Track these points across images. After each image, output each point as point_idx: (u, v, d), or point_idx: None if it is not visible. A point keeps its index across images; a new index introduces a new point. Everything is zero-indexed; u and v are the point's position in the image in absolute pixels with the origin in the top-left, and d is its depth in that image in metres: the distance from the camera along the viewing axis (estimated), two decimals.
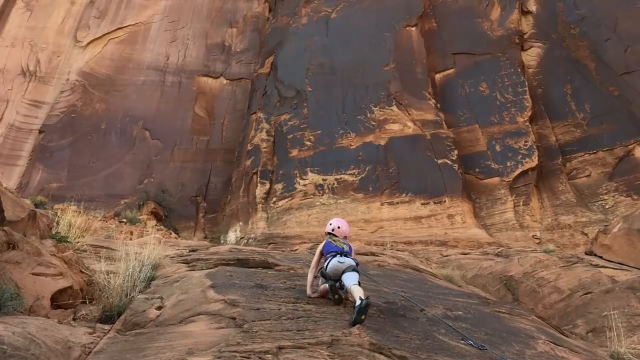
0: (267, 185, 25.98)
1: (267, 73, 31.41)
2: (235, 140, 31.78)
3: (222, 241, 25.18)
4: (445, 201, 22.77)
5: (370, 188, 23.84)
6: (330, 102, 27.30)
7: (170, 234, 22.29)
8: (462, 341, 5.12)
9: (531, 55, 27.31)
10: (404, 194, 23.32)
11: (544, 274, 12.04)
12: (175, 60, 35.34)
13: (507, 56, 26.90)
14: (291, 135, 26.92)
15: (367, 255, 12.66)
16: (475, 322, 6.18)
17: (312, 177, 25.00)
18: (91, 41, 35.32)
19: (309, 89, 28.30)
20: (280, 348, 4.02)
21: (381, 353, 4.23)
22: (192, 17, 37.51)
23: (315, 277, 6.34)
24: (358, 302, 5.01)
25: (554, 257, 13.32)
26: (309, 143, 26.21)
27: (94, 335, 4.82)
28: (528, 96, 25.40)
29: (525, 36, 27.84)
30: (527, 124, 24.80)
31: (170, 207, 27.90)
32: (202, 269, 7.82)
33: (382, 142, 24.95)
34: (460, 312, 6.59)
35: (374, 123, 25.75)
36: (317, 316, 5.25)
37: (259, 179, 26.20)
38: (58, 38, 35.31)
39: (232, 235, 25.76)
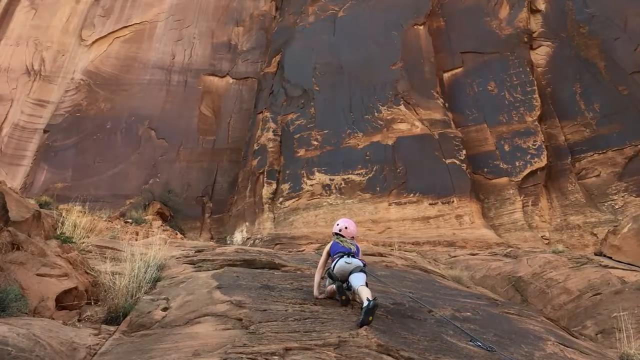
0: (274, 185, 25.93)
1: (274, 72, 31.37)
2: (241, 140, 31.70)
3: (228, 242, 25.15)
4: (453, 201, 22.66)
5: (378, 188, 23.74)
6: (337, 101, 27.20)
7: (176, 234, 22.26)
8: (471, 342, 5.08)
9: (540, 54, 27.14)
10: (412, 194, 23.21)
11: (553, 274, 11.97)
12: (181, 59, 35.30)
13: (515, 55, 26.74)
14: (298, 135, 26.85)
15: (374, 255, 12.63)
16: (483, 323, 6.14)
17: (319, 177, 24.92)
18: (96, 40, 35.32)
19: (316, 88, 28.24)
20: (287, 349, 3.99)
21: (389, 354, 4.20)
22: (198, 16, 37.45)
23: (322, 278, 6.30)
24: (365, 303, 4.98)
25: (563, 258, 13.26)
26: (316, 143, 26.14)
27: (99, 336, 4.80)
28: (537, 95, 25.25)
29: (534, 35, 27.66)
30: (536, 123, 24.65)
31: (176, 208, 27.84)
32: (208, 270, 7.80)
33: (390, 142, 24.84)
34: (468, 313, 6.54)
35: (381, 122, 25.65)
36: (324, 317, 5.21)
37: (265, 179, 26.15)
38: (63, 37, 35.34)
39: (238, 236, 25.74)
